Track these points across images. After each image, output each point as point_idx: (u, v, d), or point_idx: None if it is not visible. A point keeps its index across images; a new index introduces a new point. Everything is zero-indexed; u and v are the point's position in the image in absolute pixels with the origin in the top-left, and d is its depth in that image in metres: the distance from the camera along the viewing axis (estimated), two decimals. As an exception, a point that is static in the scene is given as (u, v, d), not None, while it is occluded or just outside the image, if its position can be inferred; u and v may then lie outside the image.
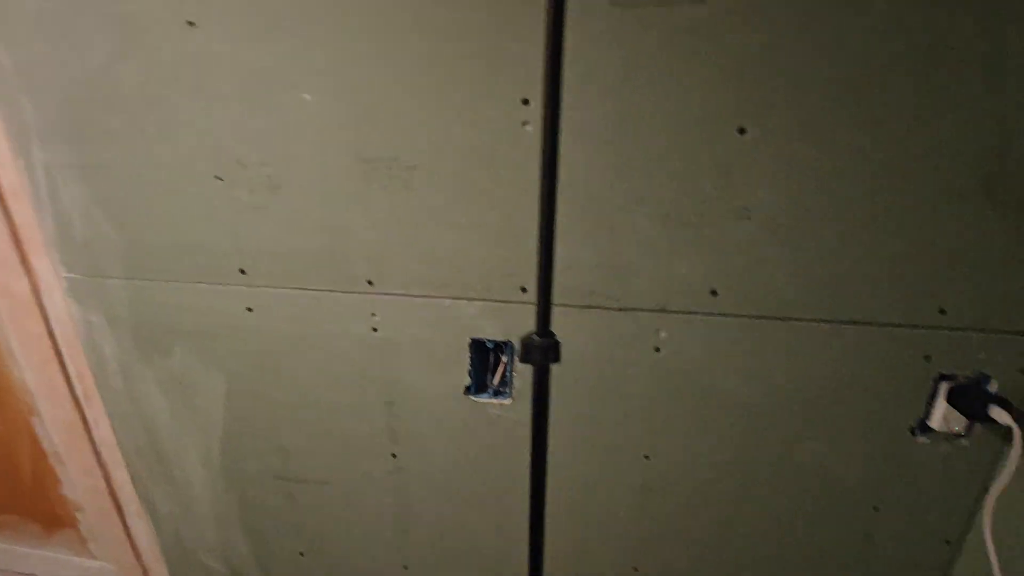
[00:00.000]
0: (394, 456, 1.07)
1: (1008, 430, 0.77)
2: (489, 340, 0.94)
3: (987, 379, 0.81)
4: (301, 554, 1.22)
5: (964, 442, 0.86)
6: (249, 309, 0.98)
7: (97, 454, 1.18)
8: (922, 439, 0.87)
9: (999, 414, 0.77)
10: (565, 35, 0.55)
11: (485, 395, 0.98)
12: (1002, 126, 0.69)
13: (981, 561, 0.87)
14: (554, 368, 0.93)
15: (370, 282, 0.93)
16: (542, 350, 0.54)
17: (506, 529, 1.09)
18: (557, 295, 0.88)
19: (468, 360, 0.95)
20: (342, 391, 1.02)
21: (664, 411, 0.93)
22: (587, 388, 0.94)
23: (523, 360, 0.54)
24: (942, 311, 0.79)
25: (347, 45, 0.78)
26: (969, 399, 0.80)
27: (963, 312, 0.79)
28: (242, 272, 0.95)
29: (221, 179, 0.89)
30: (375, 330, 0.96)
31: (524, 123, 0.78)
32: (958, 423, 0.83)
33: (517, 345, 0.93)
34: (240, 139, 0.86)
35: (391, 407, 1.02)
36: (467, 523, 1.10)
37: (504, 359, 0.96)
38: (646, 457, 0.97)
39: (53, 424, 1.18)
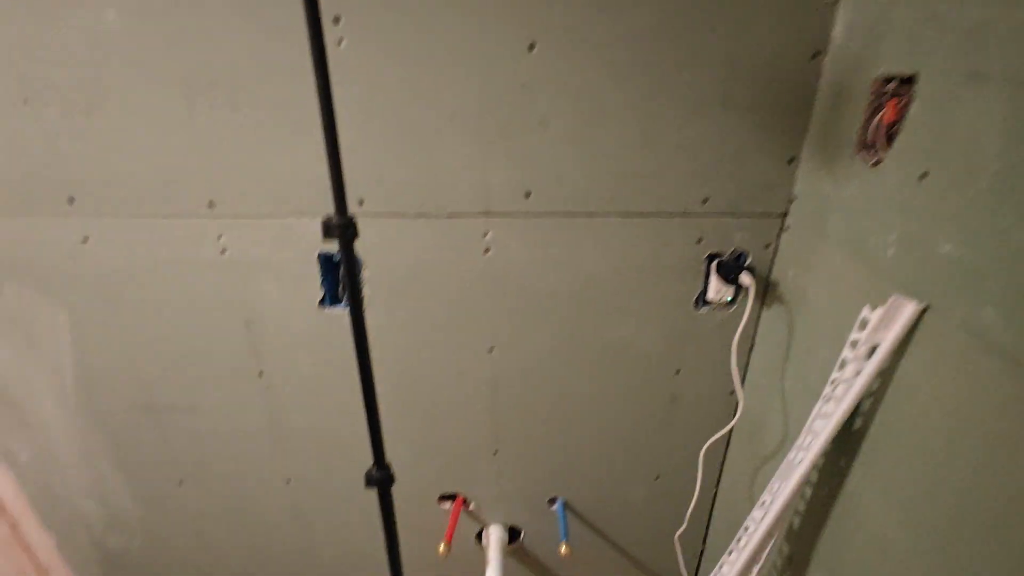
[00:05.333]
0: (261, 375, 1.13)
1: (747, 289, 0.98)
2: (335, 254, 1.01)
3: (744, 255, 1.02)
4: (180, 483, 1.26)
5: (732, 309, 1.07)
6: (85, 239, 0.97)
7: (-66, 408, 1.12)
8: (703, 309, 1.08)
9: (745, 278, 0.97)
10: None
11: (338, 306, 1.06)
12: (729, 54, 0.86)
13: (753, 404, 1.11)
14: (402, 275, 1.03)
15: (211, 205, 0.96)
16: (340, 228, 0.62)
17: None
18: (392, 208, 0.97)
19: (318, 274, 1.02)
20: (199, 316, 1.06)
21: (499, 308, 1.06)
22: (432, 293, 1.05)
23: (324, 236, 0.62)
24: (705, 200, 0.97)
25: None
26: (730, 271, 1.01)
27: (721, 200, 0.97)
28: (71, 200, 0.94)
29: (28, 102, 0.87)
30: (223, 252, 1.00)
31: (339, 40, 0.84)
32: (727, 293, 1.04)
33: (363, 256, 1.01)
34: (42, 60, 0.84)
35: (251, 326, 1.07)
36: (338, 430, 1.19)
37: (353, 271, 1.04)
38: (491, 351, 1.11)
39: None
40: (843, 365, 0.77)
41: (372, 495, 0.84)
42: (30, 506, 1.27)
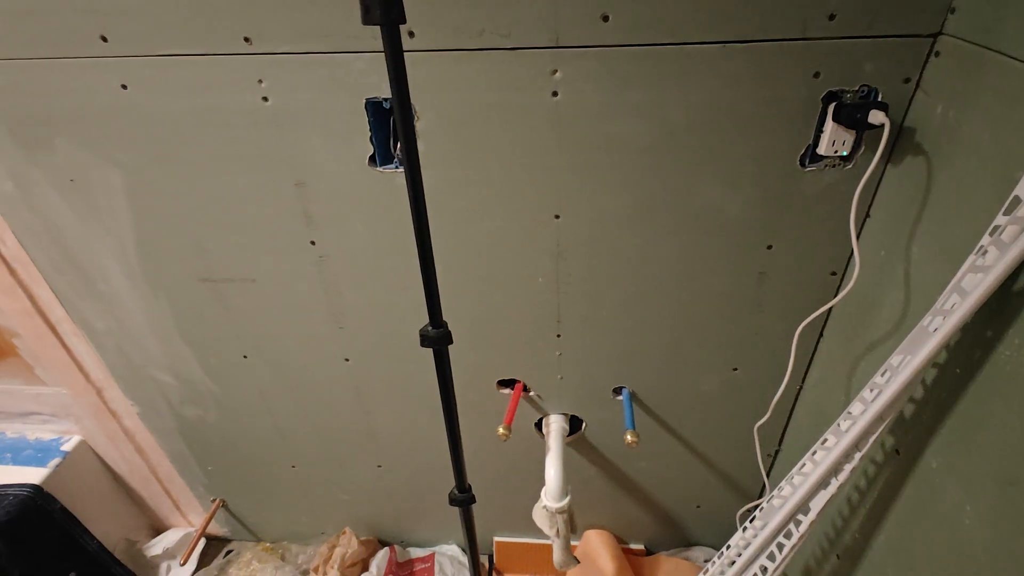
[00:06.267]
0: (313, 243, 1.07)
1: (881, 128, 0.79)
2: (385, 99, 0.90)
3: (874, 92, 0.83)
4: (244, 357, 1.27)
5: (848, 166, 0.89)
6: (124, 86, 0.91)
7: (12, 272, 1.15)
8: (811, 167, 0.90)
9: (877, 115, 0.79)
10: None
11: (391, 165, 0.97)
12: None
13: (863, 279, 0.95)
14: (457, 123, 0.91)
15: (248, 41, 0.86)
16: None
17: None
18: (446, 38, 0.84)
19: (367, 125, 0.92)
20: (247, 174, 0.99)
21: (568, 165, 0.93)
22: (491, 148, 0.93)
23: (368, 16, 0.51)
24: (832, 16, 0.77)
25: None
26: (853, 114, 0.82)
27: (852, 17, 0.77)
28: (104, 39, 0.87)
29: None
30: (266, 99, 0.91)
31: None
32: (844, 141, 0.86)
33: (416, 103, 0.89)
34: None
35: (302, 189, 1.00)
36: (397, 306, 1.14)
37: (405, 124, 0.93)
38: (556, 217, 1.00)
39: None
40: (1013, 207, 0.61)
41: (431, 373, 0.78)
42: (110, 373, 1.33)
